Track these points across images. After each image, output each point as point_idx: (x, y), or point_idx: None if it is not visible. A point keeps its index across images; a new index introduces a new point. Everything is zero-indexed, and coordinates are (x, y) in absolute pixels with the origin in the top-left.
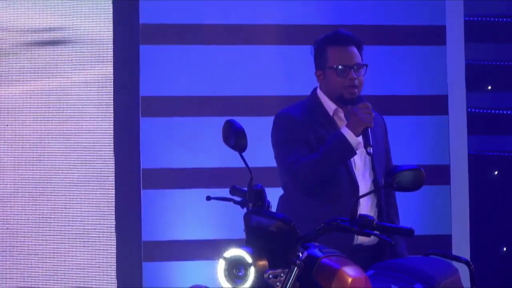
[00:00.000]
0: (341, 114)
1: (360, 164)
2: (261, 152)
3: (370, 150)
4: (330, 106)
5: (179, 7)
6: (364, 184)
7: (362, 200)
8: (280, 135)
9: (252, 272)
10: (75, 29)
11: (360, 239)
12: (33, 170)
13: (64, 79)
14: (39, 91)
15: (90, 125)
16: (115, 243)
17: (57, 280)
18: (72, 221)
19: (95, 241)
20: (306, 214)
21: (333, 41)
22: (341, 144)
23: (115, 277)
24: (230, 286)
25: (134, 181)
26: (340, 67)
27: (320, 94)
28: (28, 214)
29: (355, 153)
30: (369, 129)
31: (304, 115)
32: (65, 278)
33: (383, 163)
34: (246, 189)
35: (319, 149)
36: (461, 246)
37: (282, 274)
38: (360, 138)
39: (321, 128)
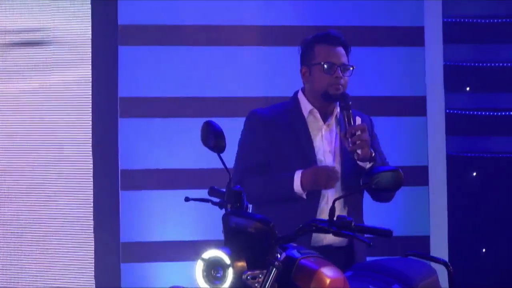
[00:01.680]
0: (317, 114)
1: (330, 164)
2: None
3: (349, 142)
4: (306, 107)
5: (158, 8)
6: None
7: (327, 203)
8: (243, 135)
9: (230, 273)
10: (53, 30)
11: (328, 240)
12: (10, 171)
13: (42, 80)
14: (17, 92)
15: (68, 126)
16: (93, 244)
17: (35, 281)
18: (50, 222)
19: (73, 242)
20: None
21: (322, 40)
22: (285, 189)
23: (93, 278)
24: (209, 287)
25: (112, 182)
26: (327, 64)
27: (300, 95)
28: (6, 215)
29: (296, 197)
30: (351, 118)
31: (276, 116)
32: (43, 278)
33: (356, 166)
34: (224, 190)
35: (277, 157)
36: (440, 247)
37: (260, 275)
38: (334, 129)
39: (291, 130)
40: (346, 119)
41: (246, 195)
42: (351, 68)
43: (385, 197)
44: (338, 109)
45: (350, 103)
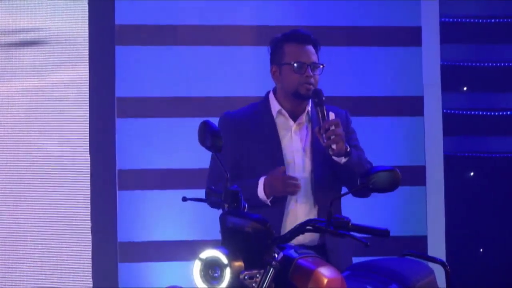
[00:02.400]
0: (286, 114)
1: (299, 164)
2: None
3: (324, 137)
4: (275, 107)
5: (155, 8)
6: (301, 184)
7: (299, 207)
8: None
9: (228, 273)
10: (51, 29)
11: (299, 239)
12: (7, 171)
13: (39, 79)
14: (13, 92)
15: (65, 126)
16: (90, 244)
17: (33, 281)
18: (48, 222)
19: (70, 242)
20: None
21: (291, 39)
22: (250, 196)
23: (90, 278)
24: (206, 287)
25: (109, 182)
26: (297, 63)
27: (271, 96)
28: (2, 215)
29: (261, 204)
30: (325, 112)
31: (246, 118)
32: (41, 279)
33: (329, 161)
34: (221, 190)
35: (246, 159)
36: (437, 247)
37: (258, 275)
38: (306, 126)
39: (260, 132)
40: (320, 115)
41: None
42: (321, 66)
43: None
44: (309, 107)
45: (324, 98)
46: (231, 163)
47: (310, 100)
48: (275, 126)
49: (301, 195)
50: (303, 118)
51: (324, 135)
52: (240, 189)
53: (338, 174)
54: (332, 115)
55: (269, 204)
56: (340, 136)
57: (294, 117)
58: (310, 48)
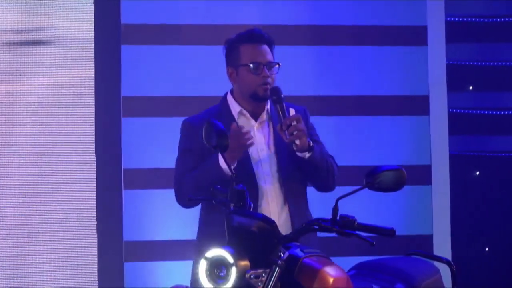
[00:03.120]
0: (247, 114)
1: (266, 162)
2: None
3: (286, 134)
4: (235, 108)
5: (160, 7)
6: (269, 183)
7: (271, 205)
8: (180, 144)
9: (233, 272)
10: (56, 29)
11: None
12: (13, 170)
13: (45, 79)
14: (20, 91)
15: (71, 126)
16: (96, 243)
17: (38, 281)
18: (54, 221)
19: (76, 241)
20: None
21: (246, 39)
22: (215, 171)
23: (96, 277)
24: (212, 286)
25: (115, 181)
26: (253, 64)
27: (229, 97)
28: (9, 214)
29: (227, 177)
30: (284, 107)
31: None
32: (46, 278)
33: (295, 158)
34: (227, 189)
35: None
36: (443, 246)
37: (263, 274)
38: (267, 125)
39: None
40: (280, 112)
41: (184, 196)
42: (277, 65)
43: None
44: (268, 105)
45: (283, 95)
46: (193, 163)
47: (269, 99)
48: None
49: (270, 192)
50: (264, 116)
51: (286, 131)
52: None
53: (302, 169)
54: (292, 111)
55: (234, 173)
56: (303, 131)
57: (255, 116)
58: (265, 47)
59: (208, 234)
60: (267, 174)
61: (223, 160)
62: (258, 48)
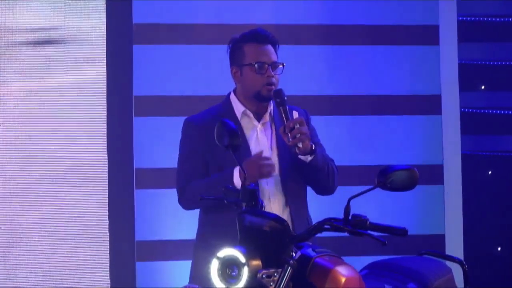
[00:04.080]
0: (250, 115)
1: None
2: None
3: (289, 136)
4: (238, 108)
5: (172, 6)
6: (271, 184)
7: (272, 206)
8: (181, 144)
9: (245, 272)
10: (68, 28)
11: None
12: (26, 170)
13: (57, 79)
14: (32, 91)
15: (83, 125)
16: (108, 243)
17: (50, 280)
18: (66, 221)
19: (88, 241)
20: (219, 221)
21: (250, 39)
22: (226, 179)
23: (108, 277)
24: (224, 286)
25: (127, 180)
26: (257, 64)
27: (232, 97)
28: (21, 214)
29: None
30: (287, 111)
31: (210, 121)
32: (58, 278)
33: (294, 160)
34: (239, 188)
35: (214, 163)
36: (455, 245)
37: (275, 274)
38: (268, 126)
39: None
40: (283, 115)
41: (190, 201)
42: (281, 66)
43: (326, 190)
44: (271, 107)
45: (286, 98)
46: (196, 164)
47: (272, 100)
48: (240, 127)
49: (272, 194)
50: (267, 117)
51: (289, 134)
52: (211, 182)
53: (303, 173)
54: (295, 114)
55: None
56: (305, 134)
57: (258, 117)
58: (270, 47)
59: (205, 234)
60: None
61: (237, 177)
62: (263, 48)
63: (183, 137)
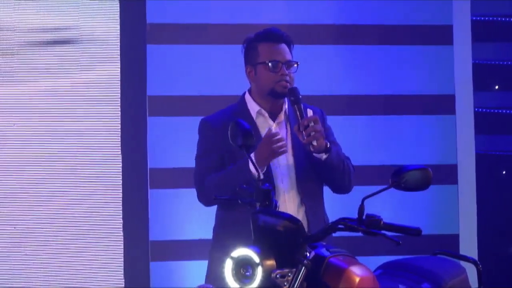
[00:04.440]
0: (265, 114)
1: (283, 163)
2: None
3: (304, 134)
4: (253, 108)
5: (186, 6)
6: (286, 183)
7: (288, 205)
8: (199, 144)
9: (259, 272)
10: (82, 28)
11: None
12: (39, 169)
13: (71, 78)
14: (46, 91)
15: (97, 125)
16: (122, 243)
17: (64, 280)
18: (79, 221)
19: (102, 241)
20: (234, 220)
21: (264, 38)
22: (243, 174)
23: (122, 277)
24: (238, 285)
25: (141, 180)
26: (271, 62)
27: (247, 97)
28: (35, 214)
29: (254, 179)
30: (302, 108)
31: (226, 121)
32: (72, 278)
33: (309, 159)
34: (253, 188)
35: (232, 162)
36: (469, 245)
37: (289, 274)
38: (284, 125)
39: None
40: (298, 113)
41: (209, 196)
42: (296, 65)
43: (342, 188)
44: (286, 106)
45: (300, 96)
46: (214, 160)
47: (286, 99)
48: (256, 127)
49: (288, 192)
50: (282, 116)
51: (303, 132)
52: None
53: (318, 171)
54: (310, 112)
55: (262, 177)
56: (320, 132)
57: (273, 116)
58: (284, 46)
59: (223, 233)
60: (284, 174)
61: (252, 160)
62: (277, 47)
63: (200, 137)
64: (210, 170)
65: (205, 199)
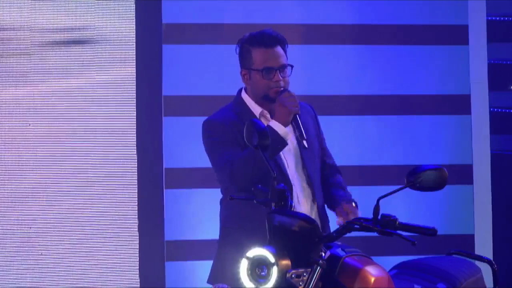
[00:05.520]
0: (267, 115)
1: (292, 162)
2: None
3: (305, 143)
4: (256, 109)
5: (201, 6)
6: (298, 182)
7: (302, 205)
8: (209, 141)
9: (275, 272)
10: (98, 28)
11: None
12: (55, 169)
13: (86, 78)
14: (62, 91)
15: (112, 125)
16: (137, 243)
17: (80, 280)
18: (95, 220)
19: (118, 241)
20: (246, 216)
21: (258, 42)
22: (272, 137)
23: (138, 276)
24: (253, 285)
25: (156, 180)
26: (265, 69)
27: (245, 96)
28: (51, 214)
29: (286, 144)
30: (299, 121)
31: (230, 120)
32: (88, 277)
33: (316, 157)
34: (268, 188)
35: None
36: (484, 245)
37: (305, 274)
38: (289, 128)
39: None
40: (296, 129)
41: (239, 180)
42: (290, 67)
43: None
44: None
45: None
46: (232, 145)
47: None
48: None
49: (301, 192)
50: None
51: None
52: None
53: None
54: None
55: (289, 138)
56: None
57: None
58: (278, 50)
59: (233, 228)
60: (294, 174)
61: (276, 122)
62: (271, 52)
63: (209, 136)
64: (234, 155)
65: (239, 184)
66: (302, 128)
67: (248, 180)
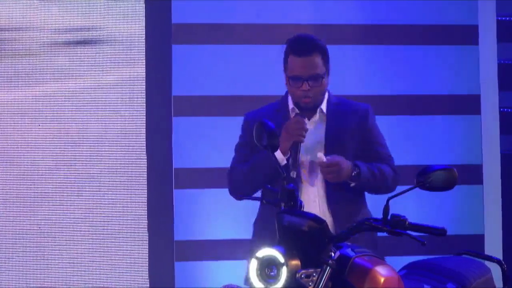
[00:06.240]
0: (296, 110)
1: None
2: None
3: (293, 174)
4: (290, 105)
5: (211, 6)
6: (310, 184)
7: (318, 206)
8: (239, 138)
9: (284, 272)
10: (108, 29)
11: None
12: (64, 170)
13: (96, 78)
14: (72, 91)
15: (122, 125)
16: (147, 243)
17: (89, 280)
18: (104, 220)
19: (127, 241)
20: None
21: (292, 49)
22: (267, 161)
23: (147, 276)
24: (263, 286)
25: (166, 180)
26: (293, 79)
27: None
28: (60, 214)
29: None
30: (299, 149)
31: (268, 117)
32: (97, 278)
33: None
34: (278, 188)
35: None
36: (494, 245)
37: (314, 274)
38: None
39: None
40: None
41: (235, 188)
42: (323, 78)
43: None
44: (324, 105)
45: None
46: (246, 158)
47: (325, 98)
48: None
49: (315, 192)
50: (317, 116)
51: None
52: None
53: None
54: (321, 156)
55: (285, 162)
56: (337, 172)
57: (309, 115)
58: (312, 58)
59: (263, 228)
60: (313, 171)
61: (279, 151)
62: (302, 61)
63: (241, 132)
64: (239, 164)
65: (234, 193)
66: (297, 157)
67: (242, 191)
